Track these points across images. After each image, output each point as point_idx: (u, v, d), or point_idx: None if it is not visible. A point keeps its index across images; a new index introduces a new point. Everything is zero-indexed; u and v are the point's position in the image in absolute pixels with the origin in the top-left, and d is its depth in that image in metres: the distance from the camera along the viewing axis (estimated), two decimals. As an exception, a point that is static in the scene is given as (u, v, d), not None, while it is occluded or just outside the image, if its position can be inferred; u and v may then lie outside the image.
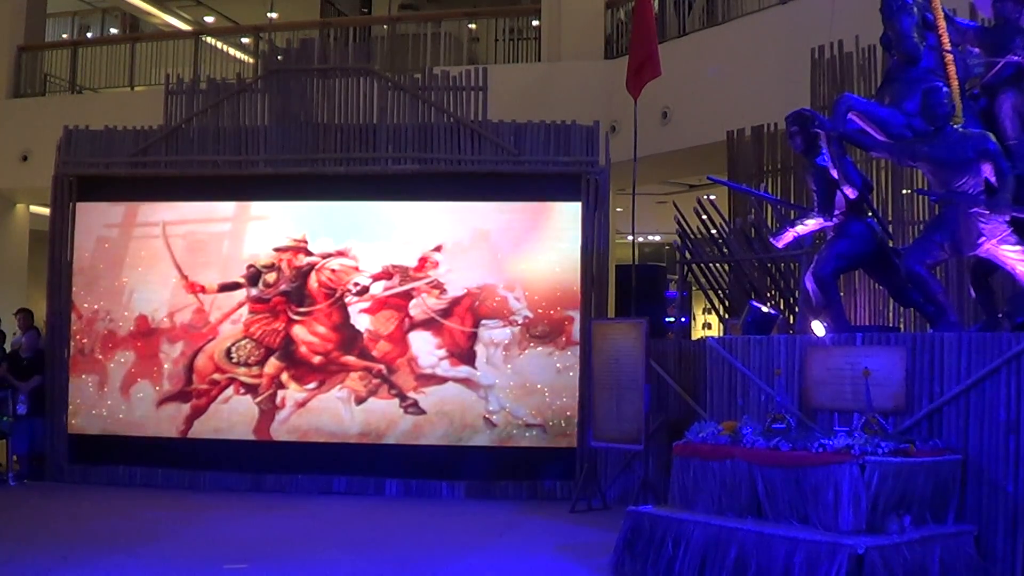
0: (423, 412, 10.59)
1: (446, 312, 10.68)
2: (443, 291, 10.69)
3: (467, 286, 10.66)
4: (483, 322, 10.61)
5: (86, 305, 11.23)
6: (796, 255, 9.10)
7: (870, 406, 6.49)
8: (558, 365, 10.50)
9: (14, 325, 12.53)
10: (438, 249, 10.76)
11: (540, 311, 10.57)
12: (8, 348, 12.06)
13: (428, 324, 10.69)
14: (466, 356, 10.60)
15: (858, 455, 5.80)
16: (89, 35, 19.05)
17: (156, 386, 11.00)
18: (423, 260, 10.76)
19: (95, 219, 11.37)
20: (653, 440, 9.32)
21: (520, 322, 10.57)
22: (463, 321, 10.64)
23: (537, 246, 10.70)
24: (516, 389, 10.51)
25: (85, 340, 11.18)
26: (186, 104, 11.38)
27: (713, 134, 11.70)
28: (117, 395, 11.06)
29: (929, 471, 6.04)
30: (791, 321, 9.24)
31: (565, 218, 10.70)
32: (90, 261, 11.30)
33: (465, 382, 10.58)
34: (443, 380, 10.61)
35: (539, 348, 10.53)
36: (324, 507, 9.76)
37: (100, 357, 11.14)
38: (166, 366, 11.01)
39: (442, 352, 10.64)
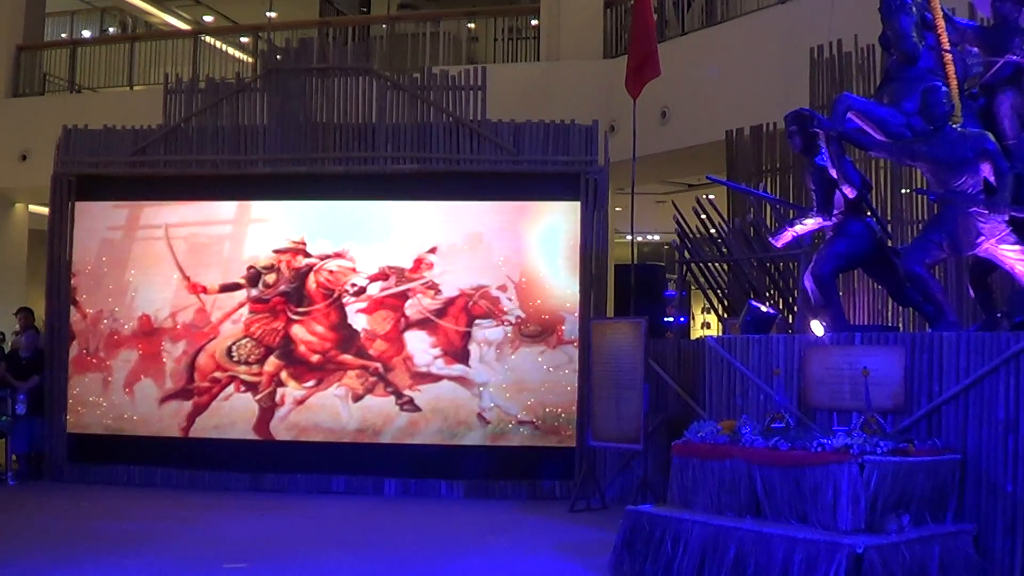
0: (418, 409, 10.62)
1: (441, 312, 10.71)
2: (438, 291, 10.72)
3: (461, 287, 10.69)
4: (476, 322, 10.64)
5: (90, 306, 11.23)
6: (795, 254, 9.10)
7: (869, 405, 6.49)
8: (550, 364, 10.53)
9: (14, 324, 12.55)
10: (433, 251, 10.79)
11: (533, 310, 10.60)
12: (7, 348, 12.07)
13: (423, 323, 10.72)
14: (460, 355, 10.64)
15: (857, 454, 5.79)
16: (86, 34, 19.04)
17: (159, 384, 11.03)
18: (418, 261, 10.79)
19: (98, 221, 11.38)
20: (652, 440, 9.33)
21: (513, 321, 10.60)
22: (457, 321, 10.67)
23: (535, 246, 10.72)
24: (509, 387, 10.54)
25: (89, 339, 11.19)
26: (185, 103, 11.38)
27: (712, 133, 11.70)
28: (120, 394, 11.09)
29: (928, 470, 6.04)
30: (790, 320, 9.24)
31: (563, 217, 10.71)
32: (94, 262, 11.32)
33: (459, 380, 10.62)
34: (438, 378, 10.66)
35: (531, 347, 10.56)
36: (323, 507, 9.77)
37: (104, 356, 11.16)
38: (168, 365, 11.04)
39: (437, 351, 10.68)
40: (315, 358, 10.85)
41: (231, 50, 17.20)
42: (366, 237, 10.94)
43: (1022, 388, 6.12)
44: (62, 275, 11.32)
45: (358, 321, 10.82)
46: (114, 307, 11.23)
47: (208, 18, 20.91)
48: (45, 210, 12.34)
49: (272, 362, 10.90)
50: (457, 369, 10.64)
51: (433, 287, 10.76)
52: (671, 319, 14.55)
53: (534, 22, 15.43)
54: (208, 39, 16.73)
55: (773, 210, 10.11)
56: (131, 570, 6.87)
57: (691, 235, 10.58)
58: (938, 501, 6.12)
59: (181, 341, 11.06)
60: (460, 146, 10.90)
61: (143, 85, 15.70)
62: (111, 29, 19.77)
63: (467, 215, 10.87)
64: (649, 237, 20.90)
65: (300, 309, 10.94)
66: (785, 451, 6.15)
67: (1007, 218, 6.63)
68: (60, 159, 11.52)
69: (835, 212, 7.43)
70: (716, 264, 10.61)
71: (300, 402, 10.82)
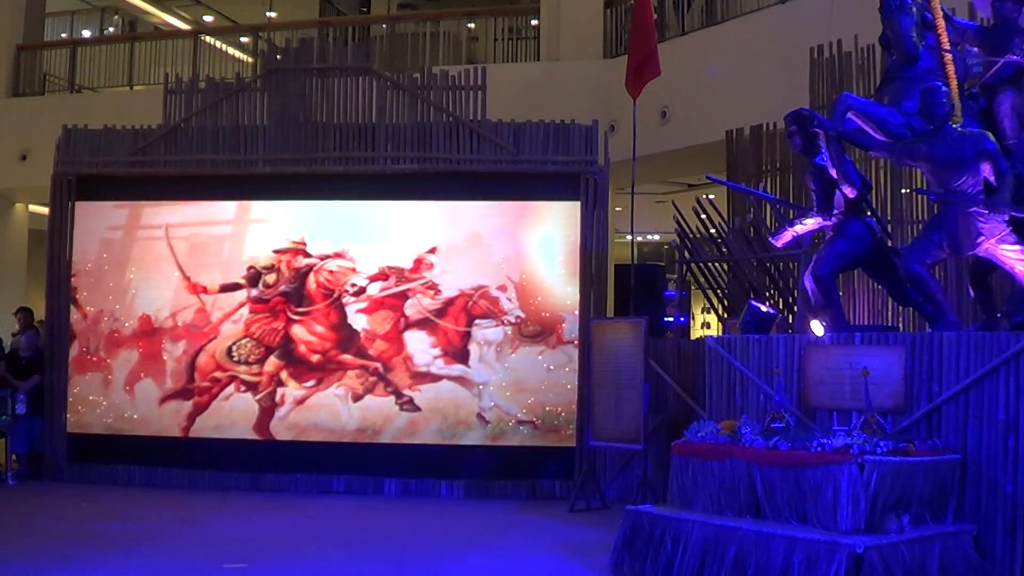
0: (418, 409, 10.63)
1: (440, 312, 10.72)
2: (438, 291, 10.73)
3: (461, 287, 10.70)
4: (476, 321, 10.65)
5: (90, 305, 11.23)
6: (795, 254, 9.09)
7: (869, 405, 6.49)
8: (550, 364, 10.54)
9: (14, 324, 12.54)
10: (433, 251, 10.79)
11: (533, 310, 10.61)
12: (7, 348, 12.06)
13: (423, 323, 10.73)
14: (460, 355, 10.65)
15: (857, 454, 5.79)
16: (86, 34, 19.04)
17: (159, 384, 11.03)
18: (418, 261, 10.80)
19: (99, 221, 11.38)
20: (652, 439, 9.33)
21: (513, 321, 10.61)
22: (457, 321, 10.68)
23: (535, 245, 10.72)
24: (508, 387, 10.55)
25: (89, 339, 11.19)
26: (185, 103, 11.38)
27: (712, 133, 11.70)
28: (121, 393, 11.09)
29: (928, 470, 6.04)
30: (790, 320, 9.24)
31: (563, 218, 10.71)
32: (94, 262, 11.32)
33: (459, 380, 10.63)
34: (437, 378, 10.67)
35: (531, 347, 10.57)
36: (323, 506, 9.77)
37: (104, 355, 11.17)
38: (169, 364, 11.05)
39: (436, 351, 10.69)
40: (315, 358, 10.86)
41: (231, 50, 17.19)
42: (366, 237, 10.94)
43: (1022, 388, 6.12)
44: (62, 275, 11.32)
45: (358, 321, 10.83)
46: (114, 307, 11.23)
47: (208, 18, 20.91)
48: (45, 210, 12.34)
49: (272, 362, 10.90)
50: (457, 369, 10.65)
51: (433, 287, 10.76)
52: (671, 319, 14.53)
53: (534, 22, 15.43)
54: (208, 39, 16.72)
55: (773, 210, 10.11)
56: (131, 570, 6.87)
57: (691, 235, 10.58)
58: (938, 501, 6.12)
59: (181, 341, 11.06)
60: (460, 146, 10.90)
61: (143, 85, 15.69)
62: (111, 29, 19.77)
63: (467, 215, 10.88)
64: (649, 237, 20.90)
65: (300, 309, 10.95)
66: (785, 451, 6.15)
67: (1007, 218, 6.62)
68: (60, 159, 11.52)
69: (835, 212, 7.43)
70: (716, 264, 10.61)
71: (300, 402, 10.82)
